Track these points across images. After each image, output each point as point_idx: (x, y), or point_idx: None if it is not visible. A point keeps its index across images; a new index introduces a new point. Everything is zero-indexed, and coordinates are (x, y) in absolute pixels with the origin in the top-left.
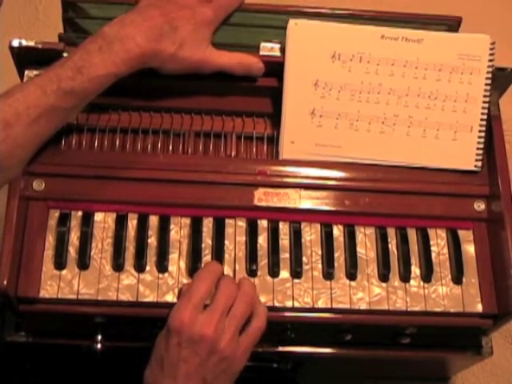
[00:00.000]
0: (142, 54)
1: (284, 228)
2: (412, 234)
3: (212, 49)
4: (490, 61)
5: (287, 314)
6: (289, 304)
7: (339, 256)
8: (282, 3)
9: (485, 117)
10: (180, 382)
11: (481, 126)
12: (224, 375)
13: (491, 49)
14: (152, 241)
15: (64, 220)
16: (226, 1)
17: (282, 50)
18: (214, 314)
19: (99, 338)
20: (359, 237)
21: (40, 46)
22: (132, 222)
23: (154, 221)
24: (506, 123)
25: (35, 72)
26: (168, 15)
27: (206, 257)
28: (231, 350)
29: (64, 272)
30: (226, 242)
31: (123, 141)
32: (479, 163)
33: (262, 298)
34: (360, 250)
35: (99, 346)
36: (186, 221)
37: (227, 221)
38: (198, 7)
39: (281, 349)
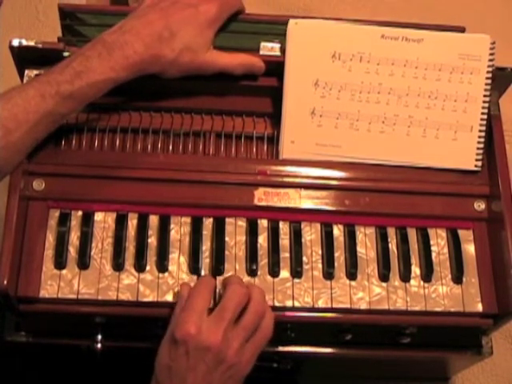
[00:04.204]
0: (140, 62)
1: (284, 228)
2: (412, 234)
3: (213, 51)
4: (490, 61)
5: (287, 313)
6: (289, 304)
7: (339, 256)
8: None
9: (485, 117)
10: None
11: (481, 125)
12: (231, 381)
13: (491, 49)
14: (152, 240)
15: (64, 220)
16: None
17: (282, 49)
18: (221, 321)
19: (99, 337)
20: (359, 236)
21: (40, 45)
22: (132, 222)
23: (154, 220)
24: (506, 123)
25: (35, 72)
26: (169, 18)
27: (206, 256)
28: (238, 358)
29: (64, 272)
30: (227, 242)
31: (123, 141)
32: (479, 163)
33: None
34: (360, 249)
35: (99, 345)
36: (186, 220)
37: (227, 220)
38: (202, 4)
39: (281, 349)
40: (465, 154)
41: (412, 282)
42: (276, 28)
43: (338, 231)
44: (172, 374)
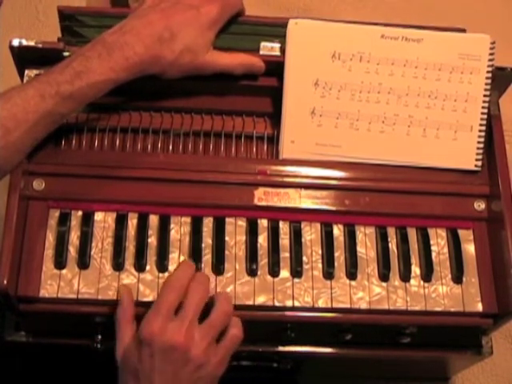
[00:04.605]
0: (140, 62)
1: (284, 227)
2: (412, 234)
3: (213, 51)
4: (490, 60)
5: (287, 313)
6: (289, 303)
7: (339, 255)
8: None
9: (485, 116)
10: None
11: (481, 125)
12: (202, 382)
13: (491, 48)
14: (152, 240)
15: (64, 219)
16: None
17: (282, 49)
18: (183, 321)
19: (99, 337)
20: (359, 236)
21: (40, 45)
22: (132, 222)
23: (154, 220)
24: (506, 123)
25: (35, 71)
26: (169, 19)
27: (206, 256)
28: (206, 357)
29: (64, 271)
30: (227, 242)
31: (123, 140)
32: (479, 163)
33: (262, 298)
34: (360, 249)
35: (99, 346)
36: (187, 220)
37: (227, 220)
38: (203, 6)
39: (281, 349)
40: (465, 154)
41: (412, 281)
42: (276, 30)
43: (338, 231)
44: (140, 376)
